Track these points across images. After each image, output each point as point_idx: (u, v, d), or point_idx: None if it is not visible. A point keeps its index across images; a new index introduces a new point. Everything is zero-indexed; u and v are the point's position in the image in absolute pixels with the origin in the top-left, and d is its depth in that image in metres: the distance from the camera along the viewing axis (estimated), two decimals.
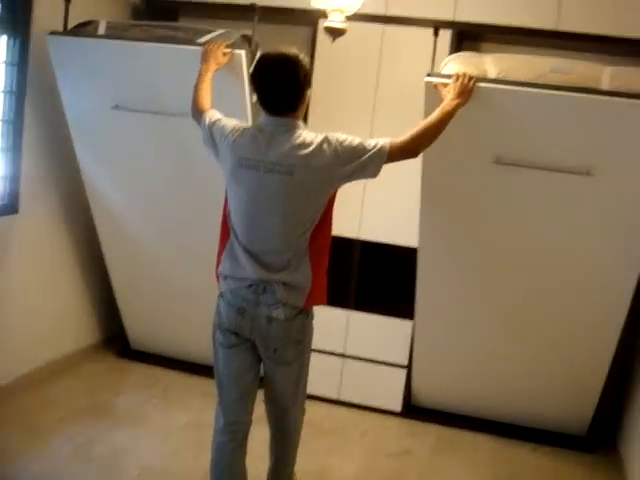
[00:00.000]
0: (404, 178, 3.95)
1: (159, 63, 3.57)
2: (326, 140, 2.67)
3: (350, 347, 4.28)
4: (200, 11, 4.32)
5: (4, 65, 3.71)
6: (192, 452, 3.62)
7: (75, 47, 3.68)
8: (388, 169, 3.96)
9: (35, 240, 4.09)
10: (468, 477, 3.69)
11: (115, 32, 3.69)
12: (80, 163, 4.08)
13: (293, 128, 2.70)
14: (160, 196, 4.05)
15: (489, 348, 3.95)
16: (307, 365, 2.94)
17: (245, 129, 2.76)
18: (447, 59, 3.27)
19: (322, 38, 3.97)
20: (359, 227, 4.17)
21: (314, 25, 4.06)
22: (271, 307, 2.71)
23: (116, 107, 3.72)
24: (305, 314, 2.83)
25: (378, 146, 2.74)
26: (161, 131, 3.77)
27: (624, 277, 3.50)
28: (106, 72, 3.69)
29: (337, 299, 4.21)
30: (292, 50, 2.69)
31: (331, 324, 4.26)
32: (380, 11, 3.94)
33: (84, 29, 3.73)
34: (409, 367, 4.20)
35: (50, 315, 4.30)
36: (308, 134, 2.70)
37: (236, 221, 2.77)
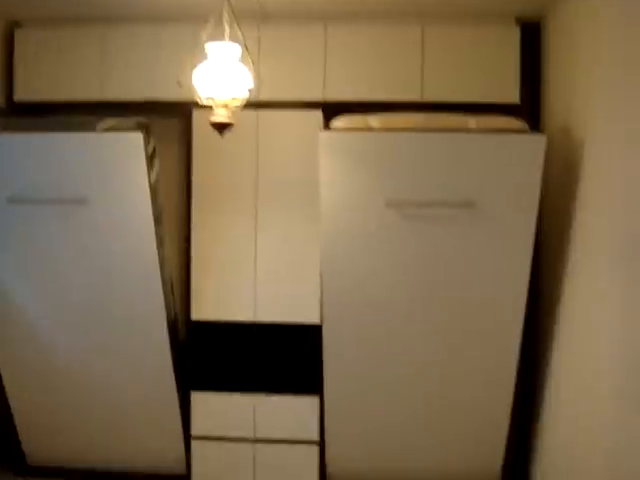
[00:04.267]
0: (296, 255, 4.10)
1: (60, 151, 3.69)
2: None
3: (260, 431, 4.24)
4: (69, 109, 4.27)
5: None
6: None
7: None
8: (279, 247, 4.11)
9: None
10: None
11: (9, 125, 3.83)
12: None
13: None
14: (66, 293, 3.98)
15: (397, 414, 4.03)
16: None
17: None
18: (334, 119, 3.62)
19: (198, 129, 4.06)
20: (255, 310, 4.20)
21: (188, 117, 4.13)
22: None
23: (11, 200, 3.73)
24: None
25: None
26: (60, 220, 3.79)
27: (511, 313, 3.74)
28: None
29: (240, 384, 4.23)
30: None
31: (237, 411, 4.24)
32: (252, 97, 4.03)
33: None
34: (321, 442, 4.20)
35: None
36: None
37: None
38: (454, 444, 4.11)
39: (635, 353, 2.75)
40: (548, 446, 3.92)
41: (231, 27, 3.14)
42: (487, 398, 3.98)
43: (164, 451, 4.32)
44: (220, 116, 3.09)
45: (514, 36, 4.09)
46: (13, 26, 4.38)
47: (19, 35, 4.35)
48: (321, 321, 3.94)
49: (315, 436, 4.22)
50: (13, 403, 4.29)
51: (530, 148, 3.45)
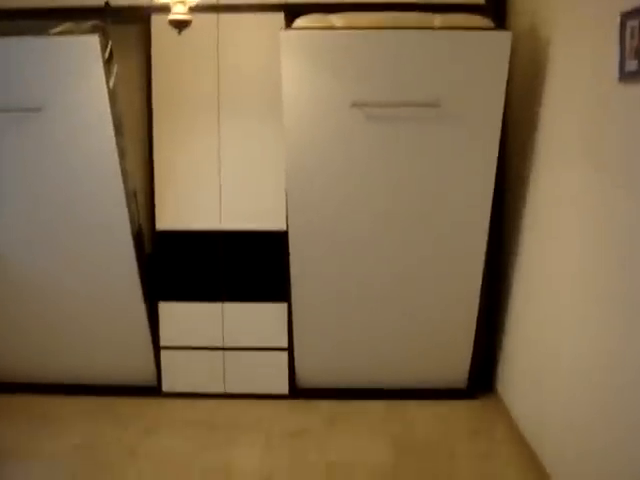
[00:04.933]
0: (261, 161, 4.06)
1: (13, 57, 3.59)
2: None
3: (228, 339, 4.25)
4: (22, 16, 4.10)
5: None
6: (90, 474, 3.44)
7: None
8: (243, 153, 4.03)
9: None
10: (367, 442, 3.78)
11: None
12: None
13: None
14: (27, 206, 3.92)
15: (364, 320, 4.09)
16: None
17: None
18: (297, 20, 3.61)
19: (157, 35, 3.95)
20: (220, 218, 4.16)
21: (147, 22, 4.00)
22: None
23: None
24: None
25: None
26: (16, 130, 3.69)
27: (477, 214, 3.77)
28: None
29: (207, 294, 4.23)
30: None
31: (206, 319, 4.25)
32: (212, 0, 3.93)
33: None
34: (290, 349, 4.23)
35: None
36: None
37: None
38: (421, 350, 4.18)
39: (602, 253, 2.76)
40: (512, 354, 4.01)
41: None
42: (454, 301, 4.03)
43: (134, 363, 4.32)
44: (178, 13, 3.00)
45: None
46: None
47: None
48: (287, 227, 3.94)
49: (284, 343, 4.24)
50: None
51: (496, 45, 3.42)
